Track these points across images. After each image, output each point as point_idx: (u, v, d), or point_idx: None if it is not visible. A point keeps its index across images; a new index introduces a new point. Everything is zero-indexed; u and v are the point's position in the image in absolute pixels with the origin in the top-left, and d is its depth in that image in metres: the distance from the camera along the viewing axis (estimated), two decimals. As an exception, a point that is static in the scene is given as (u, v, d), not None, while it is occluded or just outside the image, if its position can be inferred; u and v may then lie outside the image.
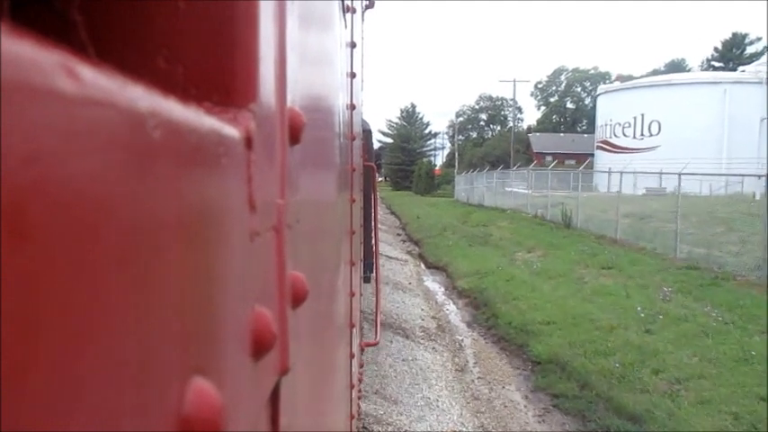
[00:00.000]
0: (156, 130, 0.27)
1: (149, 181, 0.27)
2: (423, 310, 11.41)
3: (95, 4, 0.41)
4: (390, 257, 16.82)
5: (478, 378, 7.89)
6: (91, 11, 0.40)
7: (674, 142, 33.16)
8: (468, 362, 8.60)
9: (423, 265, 17.18)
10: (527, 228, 20.21)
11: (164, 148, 0.28)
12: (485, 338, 9.71)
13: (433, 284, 14.42)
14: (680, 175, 14.82)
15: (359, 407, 3.25)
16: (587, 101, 75.26)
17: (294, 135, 0.59)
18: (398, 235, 25.00)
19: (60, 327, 0.20)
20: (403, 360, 8.18)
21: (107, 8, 0.41)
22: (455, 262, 15.61)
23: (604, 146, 40.68)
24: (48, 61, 0.20)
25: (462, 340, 9.69)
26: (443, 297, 12.98)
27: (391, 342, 8.84)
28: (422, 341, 9.33)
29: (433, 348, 9.08)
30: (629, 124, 38.65)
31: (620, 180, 18.93)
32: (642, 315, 9.07)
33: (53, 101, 0.20)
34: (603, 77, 68.54)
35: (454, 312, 11.62)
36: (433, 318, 10.94)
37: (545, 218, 21.67)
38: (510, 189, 29.49)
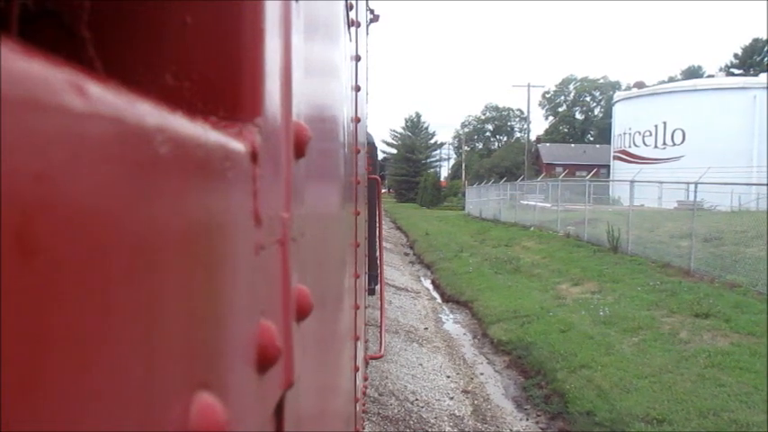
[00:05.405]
0: (164, 146, 0.27)
1: (156, 196, 0.27)
2: (449, 377, 8.32)
3: (104, 21, 0.41)
4: (399, 289, 14.01)
5: None
6: (99, 27, 0.41)
7: (700, 151, 31.06)
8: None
9: (438, 298, 14.04)
10: (561, 250, 16.73)
11: (170, 163, 0.28)
12: (550, 433, 6.38)
13: (456, 328, 11.26)
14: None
15: (363, 420, 3.22)
16: (596, 110, 74.89)
17: (299, 149, 0.59)
18: (406, 255, 21.84)
19: (67, 341, 0.20)
20: None
21: (115, 24, 0.41)
22: (481, 296, 12.34)
23: (623, 156, 38.09)
24: (56, 78, 0.20)
25: (517, 439, 6.34)
26: (473, 351, 9.70)
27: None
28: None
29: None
30: (650, 133, 36.21)
31: (695, 190, 14.26)
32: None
33: (62, 118, 0.20)
34: (613, 86, 67.90)
35: (493, 380, 8.32)
36: (465, 392, 7.76)
37: (580, 238, 18.35)
38: (527, 202, 27.07)
